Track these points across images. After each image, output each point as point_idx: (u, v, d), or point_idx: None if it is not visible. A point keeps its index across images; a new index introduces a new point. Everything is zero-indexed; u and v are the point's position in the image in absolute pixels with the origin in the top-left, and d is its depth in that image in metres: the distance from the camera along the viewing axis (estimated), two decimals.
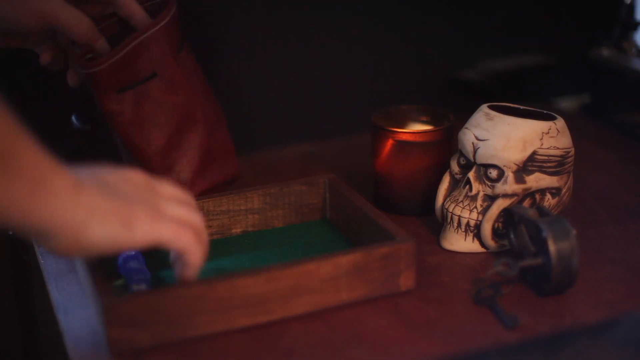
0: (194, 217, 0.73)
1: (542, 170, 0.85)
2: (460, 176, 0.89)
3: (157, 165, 0.89)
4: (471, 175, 0.86)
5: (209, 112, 0.92)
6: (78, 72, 0.87)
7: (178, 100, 0.89)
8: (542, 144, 0.84)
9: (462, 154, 0.88)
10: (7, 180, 0.61)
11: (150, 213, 0.70)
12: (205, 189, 0.92)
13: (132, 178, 0.72)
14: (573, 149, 0.87)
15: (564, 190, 0.87)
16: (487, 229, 0.86)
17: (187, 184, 0.91)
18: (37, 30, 0.84)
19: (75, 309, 0.79)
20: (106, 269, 0.82)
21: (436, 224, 0.91)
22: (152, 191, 0.72)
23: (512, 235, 0.84)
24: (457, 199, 0.87)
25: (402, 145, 0.93)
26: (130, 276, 0.79)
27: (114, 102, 0.86)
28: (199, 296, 0.73)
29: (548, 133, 0.84)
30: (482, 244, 0.87)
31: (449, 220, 0.87)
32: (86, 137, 0.95)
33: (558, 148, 0.85)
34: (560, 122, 0.86)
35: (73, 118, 0.91)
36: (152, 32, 0.86)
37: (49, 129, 1.04)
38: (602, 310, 0.78)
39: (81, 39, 0.84)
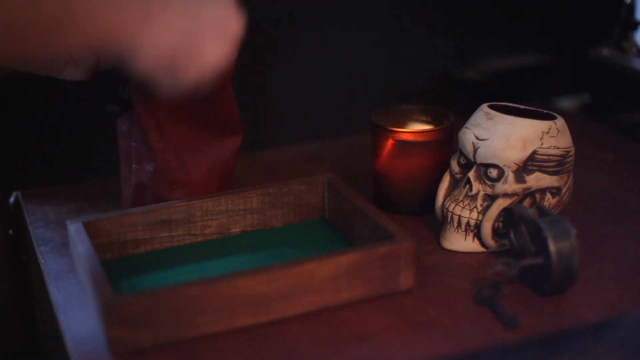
0: None
1: (542, 169, 0.85)
2: (460, 176, 0.89)
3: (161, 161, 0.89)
4: (471, 174, 0.86)
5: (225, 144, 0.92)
6: None
7: (208, 115, 0.89)
8: (542, 144, 0.84)
9: (462, 154, 0.89)
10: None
11: None
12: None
13: None
14: (573, 149, 0.87)
15: (564, 190, 0.87)
16: (487, 229, 0.86)
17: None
18: None
19: (75, 309, 0.79)
20: (106, 267, 0.82)
21: (436, 223, 0.91)
22: None
23: (512, 235, 0.84)
24: (457, 199, 0.87)
25: (402, 145, 0.93)
26: None
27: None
28: (199, 296, 0.73)
29: (548, 132, 0.84)
30: (482, 244, 0.87)
31: (449, 219, 0.87)
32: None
33: (558, 147, 0.85)
34: (560, 122, 0.86)
35: (108, 103, 0.90)
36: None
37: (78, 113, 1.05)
38: (602, 310, 0.78)
39: None
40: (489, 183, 0.85)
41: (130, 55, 0.70)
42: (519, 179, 0.85)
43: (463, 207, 0.86)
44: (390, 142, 0.93)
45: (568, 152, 0.86)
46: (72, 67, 0.87)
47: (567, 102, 1.25)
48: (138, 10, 0.68)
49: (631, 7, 1.15)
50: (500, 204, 0.85)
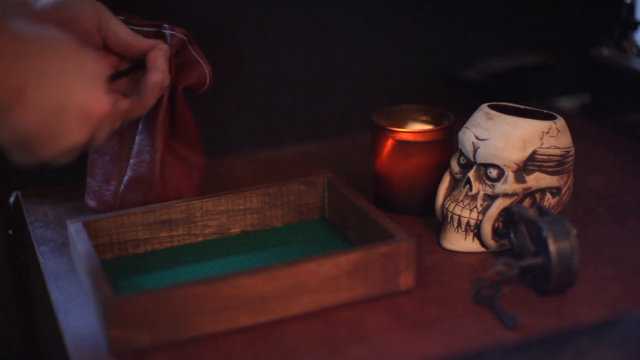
0: None
1: (542, 169, 0.85)
2: (460, 176, 0.89)
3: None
4: (471, 174, 0.86)
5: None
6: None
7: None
8: (542, 144, 0.84)
9: (462, 154, 0.89)
10: None
11: None
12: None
13: None
14: (573, 149, 0.87)
15: (564, 190, 0.87)
16: (487, 229, 0.86)
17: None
18: None
19: (75, 309, 0.79)
20: (106, 269, 0.82)
21: (436, 223, 0.91)
22: None
23: (512, 235, 0.84)
24: (457, 199, 0.87)
25: (402, 145, 0.93)
26: None
27: None
28: (199, 296, 0.73)
29: (548, 132, 0.84)
30: (482, 244, 0.87)
31: (449, 219, 0.87)
32: None
33: (558, 147, 0.85)
34: (560, 122, 0.86)
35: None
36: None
37: None
38: (602, 310, 0.78)
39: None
40: (489, 183, 0.85)
41: None
42: (519, 179, 0.85)
43: (463, 207, 0.86)
44: (390, 142, 0.93)
45: (568, 152, 0.86)
46: None
47: (567, 102, 1.25)
48: (13, 88, 0.67)
49: (631, 7, 1.15)
50: (500, 204, 0.85)
